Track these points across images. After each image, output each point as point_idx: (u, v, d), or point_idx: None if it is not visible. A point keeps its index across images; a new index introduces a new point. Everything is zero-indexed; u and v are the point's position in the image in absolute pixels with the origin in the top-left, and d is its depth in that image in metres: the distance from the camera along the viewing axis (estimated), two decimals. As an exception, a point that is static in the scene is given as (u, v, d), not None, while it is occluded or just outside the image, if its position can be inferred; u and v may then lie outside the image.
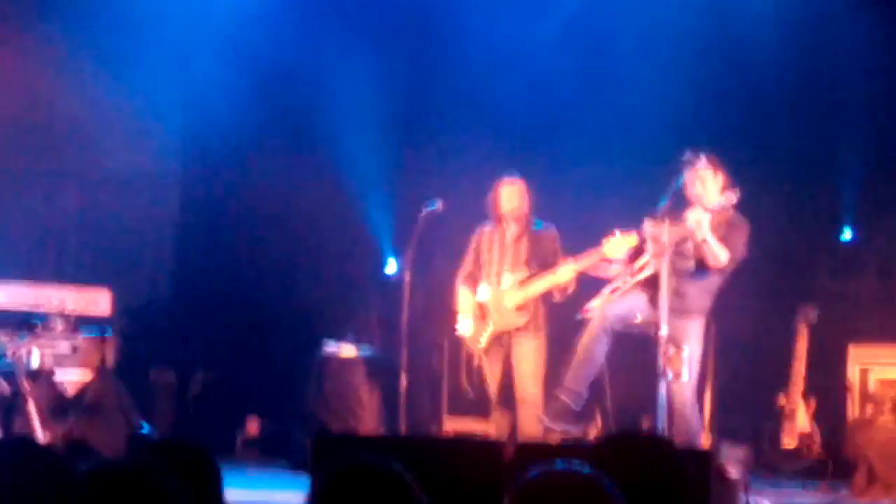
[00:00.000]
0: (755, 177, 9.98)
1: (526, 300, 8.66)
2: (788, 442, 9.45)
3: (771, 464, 9.38)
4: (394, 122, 11.09)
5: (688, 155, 7.85)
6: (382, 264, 11.00)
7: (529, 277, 8.67)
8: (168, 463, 3.39)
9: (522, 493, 3.03)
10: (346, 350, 10.09)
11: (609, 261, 8.31)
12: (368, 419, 9.81)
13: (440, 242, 9.55)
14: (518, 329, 8.68)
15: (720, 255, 7.88)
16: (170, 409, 10.52)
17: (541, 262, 8.70)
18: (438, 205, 8.98)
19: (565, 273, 8.52)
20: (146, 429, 9.26)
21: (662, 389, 7.56)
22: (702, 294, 8.05)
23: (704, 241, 7.83)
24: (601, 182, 10.25)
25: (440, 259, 9.81)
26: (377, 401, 9.96)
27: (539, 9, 11.04)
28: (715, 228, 7.90)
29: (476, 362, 8.84)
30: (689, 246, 7.98)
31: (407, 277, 8.95)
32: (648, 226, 7.97)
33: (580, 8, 10.93)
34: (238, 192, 11.48)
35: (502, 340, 8.73)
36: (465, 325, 8.87)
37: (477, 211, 9.00)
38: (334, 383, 9.95)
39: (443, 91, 11.20)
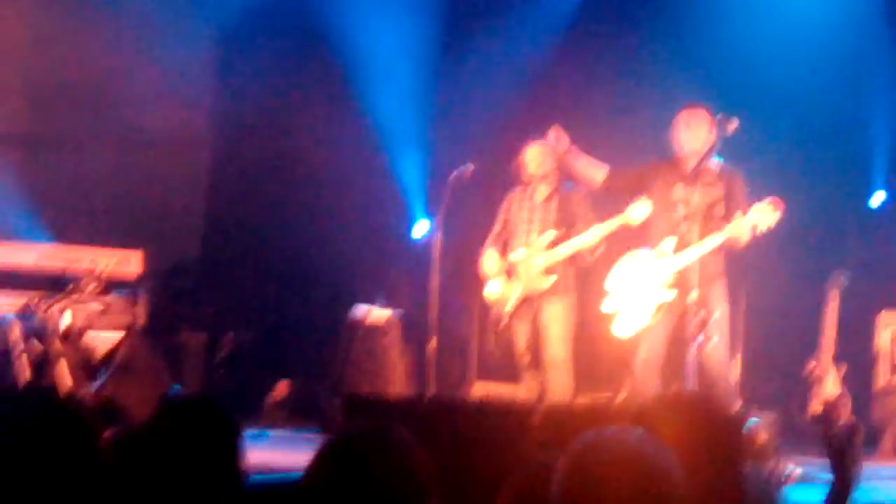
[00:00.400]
0: (786, 143, 9.99)
1: (554, 262, 8.63)
2: (817, 407, 9.44)
3: (799, 429, 9.38)
4: (427, 83, 11.08)
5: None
6: (413, 226, 11.01)
7: (558, 239, 8.65)
8: (187, 424, 3.42)
9: (579, 456, 3.02)
10: (376, 313, 10.11)
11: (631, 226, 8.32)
12: (398, 382, 9.84)
13: (471, 206, 9.54)
14: (546, 292, 8.64)
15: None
16: (199, 370, 10.56)
17: (570, 223, 8.66)
18: (469, 168, 8.98)
19: (594, 235, 8.52)
20: (176, 389, 9.31)
21: (692, 354, 7.57)
22: (717, 258, 8.05)
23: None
24: (632, 143, 10.23)
25: (471, 222, 9.80)
26: (407, 364, 9.99)
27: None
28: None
29: (503, 325, 8.83)
30: (718, 210, 7.96)
31: (437, 241, 8.96)
32: (679, 189, 7.98)
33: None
34: (268, 152, 11.47)
35: (531, 303, 8.69)
36: (493, 288, 8.84)
37: (509, 174, 8.99)
38: (364, 346, 9.98)
39: (476, 52, 11.17)
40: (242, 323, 11.11)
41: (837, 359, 9.53)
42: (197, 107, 11.55)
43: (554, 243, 8.64)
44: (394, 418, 6.10)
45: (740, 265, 8.23)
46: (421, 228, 10.88)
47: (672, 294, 7.94)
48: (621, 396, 8.80)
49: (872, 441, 9.14)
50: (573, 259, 8.66)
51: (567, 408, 7.61)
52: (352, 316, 10.13)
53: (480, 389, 9.74)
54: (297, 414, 10.40)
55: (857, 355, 9.62)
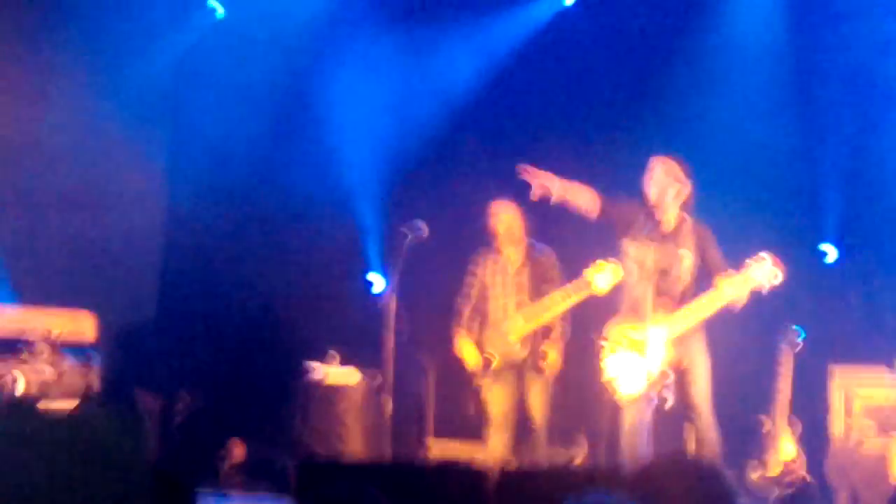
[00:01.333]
0: (740, 198, 10.06)
1: (530, 332, 8.71)
2: (773, 468, 9.45)
3: (755, 490, 9.37)
4: (383, 142, 11.11)
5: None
6: (369, 286, 11.01)
7: (532, 308, 8.69)
8: (147, 496, 3.41)
9: None
10: (332, 375, 10.07)
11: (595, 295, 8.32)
12: (354, 444, 9.79)
13: (426, 265, 9.54)
14: (524, 360, 8.70)
15: None
16: (154, 433, 10.47)
17: (541, 290, 8.73)
18: (423, 228, 8.97)
19: (560, 307, 8.55)
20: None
21: (647, 415, 7.60)
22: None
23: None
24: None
25: (427, 281, 9.81)
26: (363, 425, 9.95)
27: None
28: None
29: (478, 390, 8.82)
30: (675, 272, 7.99)
31: (392, 302, 8.95)
32: (630, 247, 7.99)
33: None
34: (224, 213, 11.45)
35: (509, 371, 8.74)
36: (468, 353, 8.85)
37: (466, 232, 9.01)
38: (319, 408, 9.93)
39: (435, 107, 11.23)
40: (198, 385, 11.04)
41: (792, 416, 9.55)
42: (152, 169, 11.51)
43: (528, 312, 8.67)
44: (351, 480, 6.11)
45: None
46: (378, 285, 10.88)
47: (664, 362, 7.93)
48: (579, 457, 8.83)
49: (828, 498, 9.16)
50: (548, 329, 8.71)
51: (526, 469, 7.62)
52: (307, 377, 10.08)
53: (437, 449, 9.71)
54: (254, 477, 10.34)
55: (811, 412, 9.65)
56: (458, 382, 9.09)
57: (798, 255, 10.50)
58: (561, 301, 8.52)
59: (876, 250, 10.45)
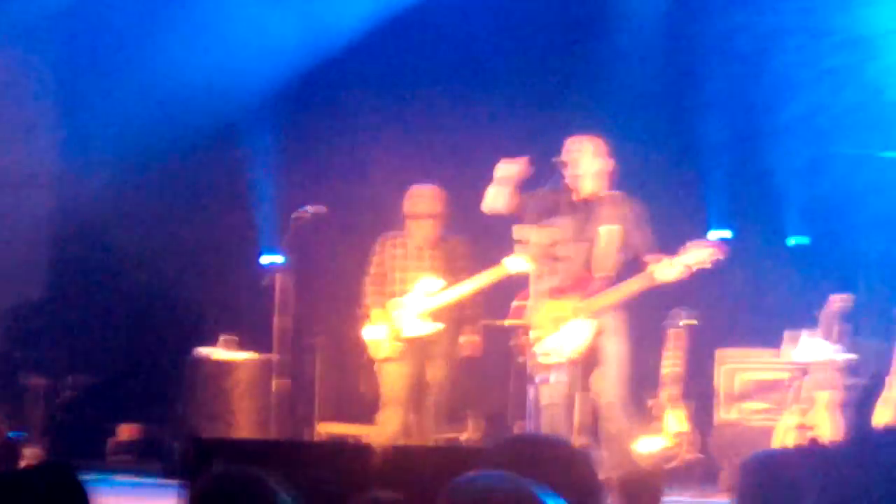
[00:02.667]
0: (630, 183, 10.15)
1: (435, 310, 8.60)
2: (658, 444, 9.55)
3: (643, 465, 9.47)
4: (280, 122, 11.07)
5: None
6: (259, 267, 10.95)
7: (439, 287, 8.60)
8: (33, 488, 3.36)
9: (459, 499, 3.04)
10: (220, 354, 10.01)
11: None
12: (243, 424, 9.75)
13: (323, 246, 9.53)
14: (431, 341, 8.61)
15: None
16: (41, 414, 10.37)
17: (451, 272, 8.63)
18: (312, 209, 8.92)
19: (472, 288, 8.48)
20: (19, 435, 9.13)
21: (531, 393, 7.63)
22: None
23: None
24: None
25: (319, 263, 9.79)
26: (252, 406, 9.91)
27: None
28: None
29: (374, 369, 8.77)
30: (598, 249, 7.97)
31: (283, 281, 8.91)
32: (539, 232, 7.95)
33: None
34: (113, 191, 11.32)
35: (412, 351, 8.63)
36: (370, 332, 8.72)
37: (364, 214, 8.98)
38: (208, 388, 9.88)
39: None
40: (87, 366, 10.95)
41: (686, 397, 9.67)
42: (40, 148, 11.36)
43: (436, 291, 8.59)
44: (240, 461, 6.09)
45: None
46: (269, 268, 10.82)
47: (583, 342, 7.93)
48: (465, 436, 8.86)
49: (712, 476, 9.30)
50: (457, 308, 8.63)
51: (411, 449, 7.62)
52: (194, 356, 10.02)
53: (325, 430, 9.70)
54: (142, 457, 10.28)
55: (700, 393, 9.79)
56: (351, 364, 9.06)
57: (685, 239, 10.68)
58: (473, 284, 8.46)
59: (763, 236, 10.61)
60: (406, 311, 8.60)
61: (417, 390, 8.65)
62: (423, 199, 8.72)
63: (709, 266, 7.82)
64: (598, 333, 7.84)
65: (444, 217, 8.74)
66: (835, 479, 4.58)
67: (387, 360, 8.63)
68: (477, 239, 8.82)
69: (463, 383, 8.63)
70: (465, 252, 8.72)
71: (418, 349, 8.64)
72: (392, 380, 8.66)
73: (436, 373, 8.65)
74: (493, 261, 8.40)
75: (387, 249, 8.81)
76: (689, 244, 7.85)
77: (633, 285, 7.83)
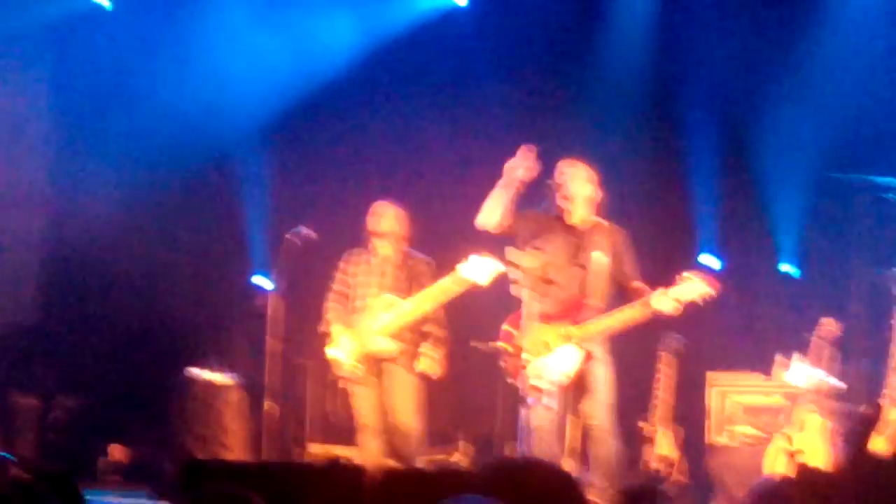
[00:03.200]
0: (620, 209, 10.17)
1: (397, 328, 8.56)
2: (648, 465, 9.55)
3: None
4: (270, 143, 11.09)
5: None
6: (251, 288, 10.95)
7: (401, 304, 8.54)
8: (31, 491, 3.37)
9: None
10: (211, 375, 10.01)
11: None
12: (235, 446, 9.74)
13: (309, 266, 9.52)
14: (393, 358, 8.56)
15: None
16: (32, 433, 10.35)
17: (416, 290, 8.56)
18: (304, 231, 8.92)
19: (430, 303, 8.44)
20: (7, 456, 9.08)
21: (522, 415, 7.62)
22: None
23: None
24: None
25: (310, 285, 9.78)
26: (243, 427, 9.90)
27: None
28: None
29: (342, 387, 8.75)
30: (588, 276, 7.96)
31: (274, 303, 8.90)
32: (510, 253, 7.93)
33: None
34: (105, 214, 11.32)
35: (373, 368, 8.61)
36: (333, 351, 8.72)
37: (350, 235, 8.97)
38: (199, 409, 9.87)
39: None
40: (78, 386, 10.93)
41: (674, 420, 9.67)
42: (33, 165, 11.36)
43: (397, 308, 8.55)
44: (230, 482, 6.09)
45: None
46: (260, 290, 10.82)
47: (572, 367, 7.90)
48: (456, 458, 8.84)
49: (703, 500, 9.30)
50: (420, 325, 8.58)
51: (401, 471, 7.61)
52: (186, 378, 10.01)
53: (317, 452, 9.69)
54: (132, 478, 10.25)
55: (691, 417, 9.79)
56: (333, 385, 9.05)
57: (680, 265, 10.69)
58: (431, 297, 8.42)
59: (756, 262, 10.64)
60: (366, 329, 8.57)
61: (384, 412, 8.60)
62: (385, 218, 8.70)
63: (699, 303, 7.80)
64: (587, 359, 7.84)
65: (406, 236, 8.71)
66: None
67: (349, 379, 8.59)
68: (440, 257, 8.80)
69: (450, 405, 8.60)
70: (428, 272, 8.65)
71: (380, 369, 8.60)
72: (360, 403, 8.63)
73: (402, 393, 8.58)
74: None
75: (350, 266, 8.79)
76: (684, 274, 7.82)
77: (627, 314, 7.81)
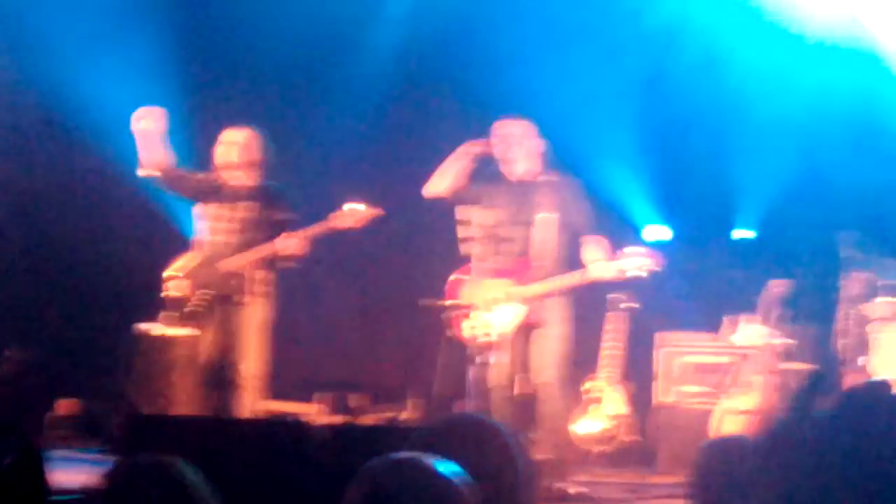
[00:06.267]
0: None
1: (242, 266, 8.19)
2: (595, 426, 9.61)
3: (581, 445, 9.51)
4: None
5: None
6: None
7: (251, 241, 8.20)
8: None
9: (370, 481, 3.04)
10: (159, 329, 9.95)
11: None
12: (181, 399, 9.71)
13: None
14: (234, 296, 8.20)
15: None
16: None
17: (268, 224, 8.22)
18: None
19: (289, 244, 8.10)
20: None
21: (471, 373, 7.63)
22: None
23: None
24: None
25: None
26: (190, 381, 9.87)
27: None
28: None
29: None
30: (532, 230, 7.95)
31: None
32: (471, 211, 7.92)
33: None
34: (52, 162, 11.24)
35: (215, 307, 8.26)
36: (174, 287, 8.33)
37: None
38: (146, 363, 9.83)
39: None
40: (26, 340, 10.88)
41: (625, 379, 9.73)
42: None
43: (245, 245, 8.21)
44: (177, 439, 6.09)
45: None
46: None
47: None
48: (405, 415, 8.86)
49: (650, 458, 9.38)
50: (271, 263, 8.23)
51: (347, 427, 7.63)
52: (132, 332, 9.96)
53: (264, 408, 9.67)
54: (81, 432, 10.22)
55: (640, 376, 9.86)
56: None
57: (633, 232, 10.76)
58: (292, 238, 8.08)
59: (708, 228, 10.72)
60: (214, 267, 8.26)
61: (229, 357, 8.24)
62: (234, 148, 8.30)
63: (644, 276, 7.83)
64: (538, 313, 7.83)
65: (260, 166, 8.31)
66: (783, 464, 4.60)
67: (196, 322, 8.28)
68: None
69: (399, 363, 8.59)
70: (285, 206, 8.26)
71: (221, 308, 8.25)
72: (207, 348, 8.33)
73: (248, 334, 8.20)
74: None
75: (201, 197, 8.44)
76: (626, 250, 7.83)
77: (566, 280, 7.82)
